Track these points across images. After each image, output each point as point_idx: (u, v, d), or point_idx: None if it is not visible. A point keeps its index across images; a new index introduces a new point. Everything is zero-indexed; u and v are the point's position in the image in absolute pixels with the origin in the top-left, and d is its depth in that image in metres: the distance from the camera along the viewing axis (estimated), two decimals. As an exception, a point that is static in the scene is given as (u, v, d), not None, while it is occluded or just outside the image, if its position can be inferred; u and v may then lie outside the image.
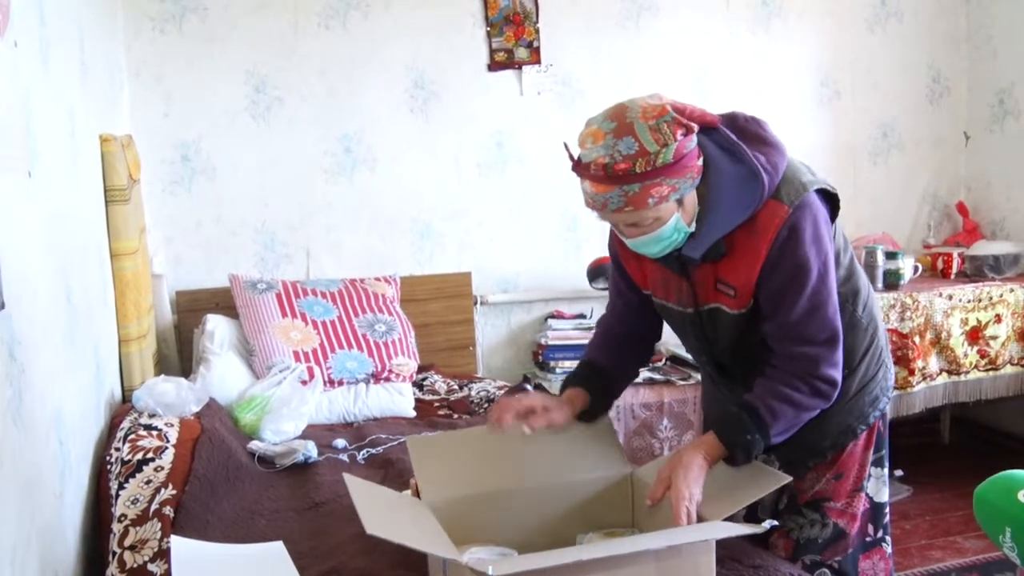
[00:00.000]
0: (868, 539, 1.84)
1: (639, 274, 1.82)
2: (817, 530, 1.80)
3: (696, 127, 1.52)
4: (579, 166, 1.53)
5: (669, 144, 1.47)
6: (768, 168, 1.56)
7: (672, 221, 1.55)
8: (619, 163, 1.47)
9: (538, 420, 1.70)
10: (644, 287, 1.83)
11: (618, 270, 1.88)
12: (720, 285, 1.66)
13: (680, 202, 1.54)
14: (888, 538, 1.88)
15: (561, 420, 1.74)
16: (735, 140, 1.56)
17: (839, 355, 1.63)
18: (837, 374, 1.63)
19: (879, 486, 1.86)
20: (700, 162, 1.54)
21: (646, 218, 1.53)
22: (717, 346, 1.76)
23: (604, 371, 1.86)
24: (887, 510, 1.89)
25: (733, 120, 1.62)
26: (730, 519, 1.51)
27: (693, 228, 1.59)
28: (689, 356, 3.40)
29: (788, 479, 1.60)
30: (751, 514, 1.81)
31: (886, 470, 1.88)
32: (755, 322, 1.66)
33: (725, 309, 1.67)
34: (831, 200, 1.68)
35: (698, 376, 3.32)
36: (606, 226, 1.72)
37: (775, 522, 1.55)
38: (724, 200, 1.56)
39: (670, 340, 3.70)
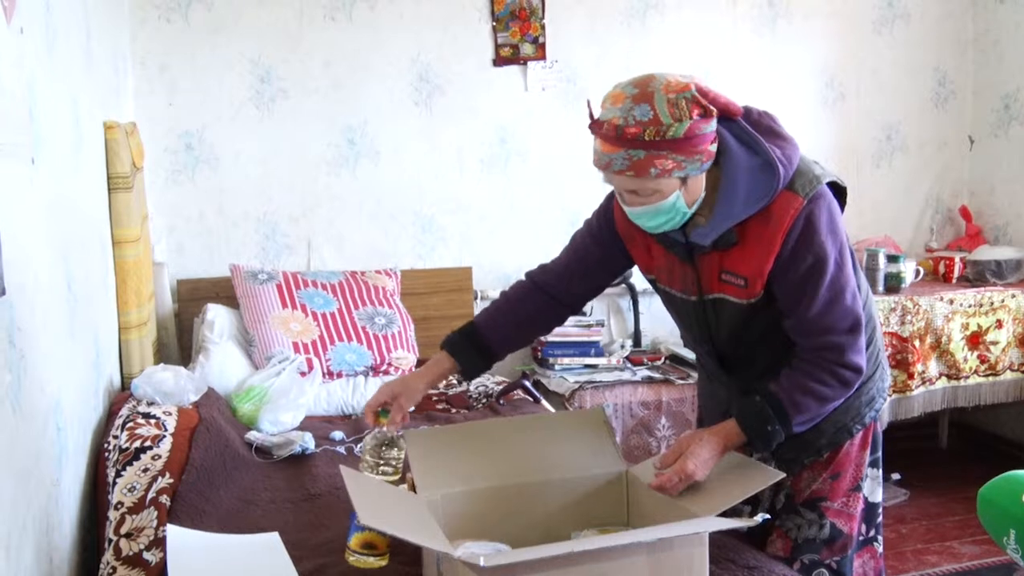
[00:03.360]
0: (861, 538, 1.86)
1: (645, 257, 1.82)
2: (815, 530, 1.81)
3: (715, 112, 1.53)
4: (594, 124, 1.56)
5: (683, 120, 1.49)
6: (783, 160, 1.59)
7: (672, 198, 1.57)
8: (630, 127, 1.49)
9: (398, 415, 1.74)
10: (648, 272, 1.85)
11: (594, 238, 1.86)
12: (725, 275, 1.67)
13: (684, 181, 1.56)
14: (880, 538, 1.90)
15: (410, 405, 1.78)
16: (751, 132, 1.60)
17: (862, 341, 1.65)
18: (862, 360, 1.65)
19: (874, 486, 1.88)
20: (714, 148, 1.56)
21: (646, 188, 1.56)
22: (719, 336, 1.77)
23: (486, 341, 1.86)
24: (880, 510, 1.91)
25: (747, 114, 1.64)
26: (724, 515, 1.51)
27: (692, 211, 1.61)
28: (688, 354, 3.43)
29: (781, 475, 1.61)
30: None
31: (880, 471, 1.90)
32: (762, 313, 1.68)
33: (731, 299, 1.68)
34: (839, 194, 1.72)
35: (697, 375, 3.33)
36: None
37: (767, 516, 1.56)
38: (739, 189, 1.58)
39: (669, 339, 3.74)
